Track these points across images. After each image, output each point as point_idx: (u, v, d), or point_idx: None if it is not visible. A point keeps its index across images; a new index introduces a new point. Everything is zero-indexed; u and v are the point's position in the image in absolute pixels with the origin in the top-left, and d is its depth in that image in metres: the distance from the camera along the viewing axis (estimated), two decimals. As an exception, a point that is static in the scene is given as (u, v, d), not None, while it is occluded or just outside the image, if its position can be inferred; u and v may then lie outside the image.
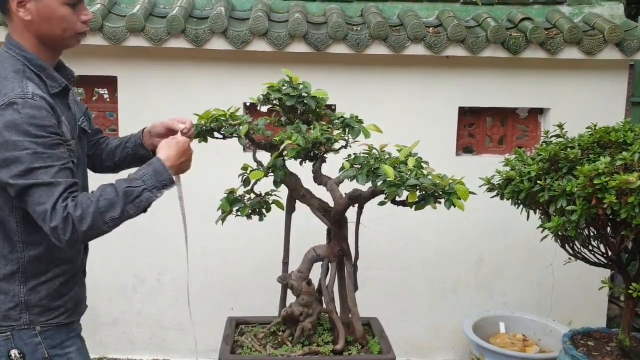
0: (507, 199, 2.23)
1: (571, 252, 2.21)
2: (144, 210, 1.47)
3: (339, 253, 2.06)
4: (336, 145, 2.04)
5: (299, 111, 2.04)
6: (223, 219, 2.07)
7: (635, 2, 4.18)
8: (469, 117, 3.38)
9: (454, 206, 1.84)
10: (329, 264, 2.07)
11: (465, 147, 3.40)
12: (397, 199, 1.88)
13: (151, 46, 2.98)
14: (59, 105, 1.46)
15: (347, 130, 2.00)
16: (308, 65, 3.08)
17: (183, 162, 1.63)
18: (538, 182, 2.02)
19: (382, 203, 1.92)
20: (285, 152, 1.90)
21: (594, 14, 3.21)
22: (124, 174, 1.57)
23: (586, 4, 3.29)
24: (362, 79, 3.19)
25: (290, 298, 2.12)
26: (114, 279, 3.20)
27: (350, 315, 2.07)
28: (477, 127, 3.40)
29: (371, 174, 1.84)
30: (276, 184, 2.00)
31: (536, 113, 3.39)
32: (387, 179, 1.77)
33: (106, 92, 3.39)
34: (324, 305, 2.07)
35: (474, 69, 3.21)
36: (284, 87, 1.94)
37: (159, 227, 3.16)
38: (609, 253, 2.13)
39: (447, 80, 3.22)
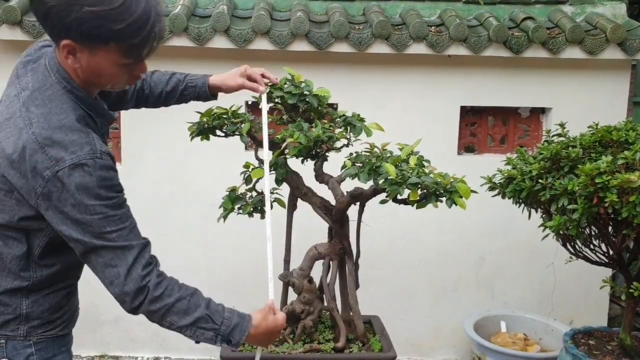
0: (509, 198, 2.23)
1: (572, 251, 2.21)
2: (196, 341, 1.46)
3: (340, 251, 2.07)
4: (338, 144, 2.05)
5: (301, 109, 2.05)
6: (225, 217, 2.07)
7: (638, 2, 4.18)
8: (470, 116, 3.39)
9: (456, 204, 1.85)
10: (330, 262, 2.08)
11: (467, 147, 3.41)
12: (399, 197, 1.89)
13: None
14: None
15: (348, 128, 2.01)
16: (310, 64, 3.08)
17: (267, 341, 1.60)
18: (539, 181, 2.02)
19: (383, 201, 1.93)
20: (286, 151, 1.91)
21: (596, 14, 3.20)
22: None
23: (588, 4, 3.29)
24: (364, 78, 3.20)
25: (292, 296, 2.12)
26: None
27: (351, 314, 2.08)
28: (478, 126, 3.40)
29: (373, 173, 1.85)
30: (278, 182, 2.00)
31: (538, 113, 3.39)
32: (389, 177, 1.78)
33: (108, 90, 3.39)
34: (325, 303, 2.08)
35: (476, 69, 3.21)
36: (286, 86, 1.95)
37: (161, 227, 3.16)
38: (610, 252, 2.12)
39: (449, 79, 3.22)
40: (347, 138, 2.06)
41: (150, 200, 3.12)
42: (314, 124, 1.92)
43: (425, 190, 1.84)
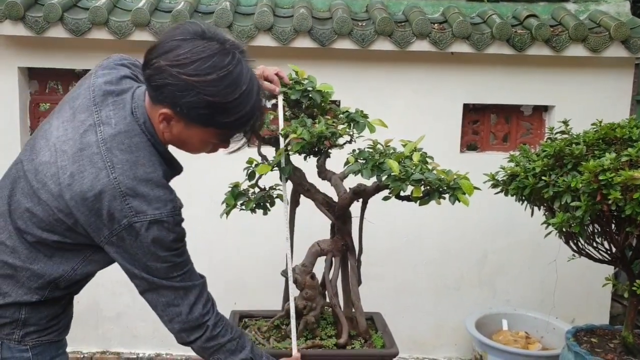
0: (512, 195, 2.23)
1: (575, 249, 2.21)
2: None
3: (342, 248, 2.06)
4: (341, 141, 2.04)
5: (304, 106, 2.05)
6: (227, 213, 2.07)
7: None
8: (473, 114, 3.38)
9: (459, 201, 1.84)
10: (333, 258, 2.07)
11: (469, 145, 3.40)
12: (402, 194, 1.88)
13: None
14: None
15: (352, 125, 2.00)
16: (313, 61, 3.08)
17: None
18: (543, 178, 2.02)
19: (386, 198, 1.92)
20: (289, 147, 1.90)
21: (600, 12, 3.20)
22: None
23: (592, 2, 3.28)
24: (367, 75, 3.19)
25: (294, 291, 2.12)
26: (117, 273, 3.18)
27: (353, 310, 2.08)
28: (481, 124, 3.40)
29: (376, 169, 1.84)
30: (284, 179, 1.99)
31: (541, 111, 3.38)
32: (392, 174, 1.77)
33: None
34: (328, 300, 2.08)
35: (479, 66, 3.20)
36: (291, 84, 1.94)
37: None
38: (613, 250, 2.12)
39: (452, 77, 3.22)
40: (350, 135, 2.06)
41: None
42: (317, 120, 1.91)
43: (428, 187, 1.83)
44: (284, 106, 1.94)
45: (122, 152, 1.27)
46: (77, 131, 1.30)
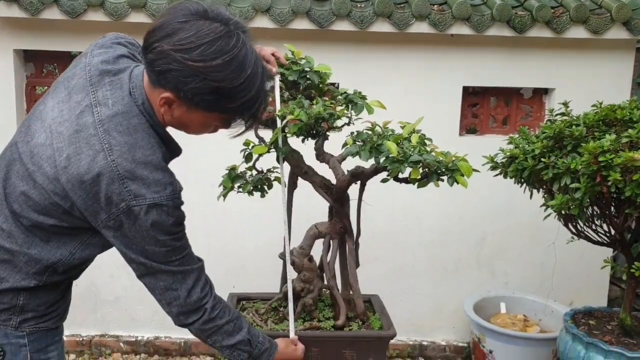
0: (511, 178, 2.22)
1: (574, 231, 2.20)
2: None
3: (340, 230, 2.06)
4: (339, 123, 2.02)
5: (301, 87, 2.02)
6: (225, 195, 2.06)
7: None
8: (473, 97, 3.36)
9: (457, 183, 1.83)
10: (331, 240, 2.06)
11: (468, 128, 3.38)
12: (400, 176, 1.87)
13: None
14: None
15: (350, 106, 1.98)
16: (311, 43, 3.05)
17: None
18: (542, 160, 2.00)
19: (384, 180, 1.91)
20: (287, 129, 1.88)
21: (602, -7, 3.16)
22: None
23: (594, -18, 3.24)
24: (366, 57, 3.16)
25: (292, 274, 2.11)
26: (115, 257, 3.18)
27: (351, 292, 2.07)
28: (481, 107, 3.38)
29: (374, 151, 1.82)
30: (281, 160, 1.98)
31: (541, 93, 3.36)
32: (390, 155, 1.76)
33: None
34: (325, 282, 2.07)
35: (478, 48, 3.17)
36: (288, 64, 1.92)
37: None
38: (612, 232, 2.11)
39: (452, 59, 3.19)
40: (348, 117, 2.04)
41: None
42: (314, 102, 1.89)
43: (426, 169, 1.82)
44: (280, 87, 1.92)
45: (120, 134, 1.25)
46: (73, 112, 1.27)
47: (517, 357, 2.92)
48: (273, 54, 1.82)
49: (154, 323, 3.33)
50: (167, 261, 1.35)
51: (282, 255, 2.07)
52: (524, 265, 3.39)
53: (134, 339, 3.35)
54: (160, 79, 1.23)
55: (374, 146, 1.82)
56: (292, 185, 2.13)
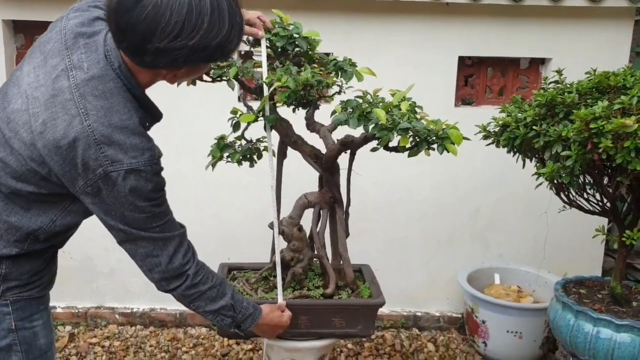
0: (503, 147, 2.20)
1: (566, 200, 2.18)
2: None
3: (330, 200, 2.04)
4: (330, 92, 2.00)
5: (291, 55, 1.99)
6: (213, 165, 2.04)
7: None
8: (469, 67, 3.31)
9: (447, 151, 1.81)
10: (321, 210, 2.05)
11: (464, 99, 3.35)
12: (390, 145, 1.85)
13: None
14: None
15: (339, 74, 1.95)
16: (304, 12, 2.99)
17: (271, 333, 1.78)
18: (534, 127, 1.98)
19: (374, 149, 1.89)
20: (276, 96, 1.86)
21: (601, -41, 3.09)
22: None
23: (592, -52, 3.17)
24: (360, 26, 3.11)
25: (283, 244, 2.11)
26: (110, 229, 3.21)
27: (341, 262, 2.07)
28: (477, 77, 3.33)
29: (363, 118, 1.80)
30: (269, 128, 1.96)
31: (538, 63, 3.31)
32: (379, 123, 1.74)
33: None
34: (315, 251, 2.07)
35: (475, 17, 3.12)
36: (274, 28, 1.88)
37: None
38: (604, 201, 2.10)
39: (447, 28, 3.14)
40: (339, 85, 2.01)
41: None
42: (303, 68, 1.86)
43: (416, 137, 1.80)
44: (269, 55, 1.88)
45: (96, 98, 1.23)
46: (49, 77, 1.25)
47: (509, 326, 2.94)
48: (259, 18, 1.79)
49: (149, 295, 3.34)
50: (147, 227, 1.34)
51: (272, 225, 2.07)
52: (518, 237, 3.39)
53: (129, 311, 3.37)
54: (161, 65, 1.22)
55: (363, 114, 1.80)
56: (281, 155, 2.11)
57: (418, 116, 1.83)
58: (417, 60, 3.17)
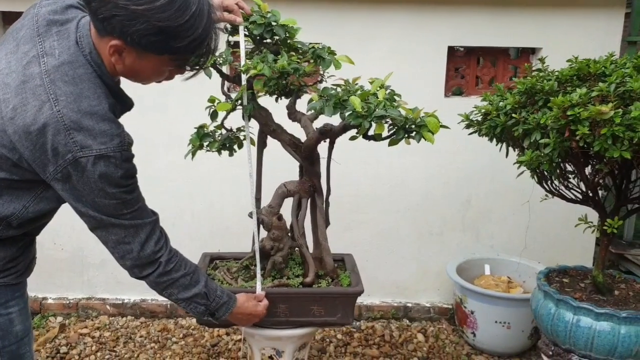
0: (485, 135, 2.19)
1: (549, 189, 2.17)
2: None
3: (310, 189, 2.05)
4: (313, 81, 1.99)
5: (271, 44, 1.99)
6: (193, 154, 2.05)
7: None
8: (458, 58, 3.30)
9: (425, 140, 1.80)
10: (301, 199, 2.06)
11: (454, 89, 3.33)
12: (370, 133, 1.84)
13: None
14: None
15: (318, 61, 1.95)
16: (290, 3, 2.98)
17: (246, 322, 1.80)
18: (513, 115, 1.97)
19: (353, 138, 1.88)
20: (254, 85, 1.85)
21: (591, -53, 3.07)
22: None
23: (583, -63, 3.14)
24: (347, 17, 3.10)
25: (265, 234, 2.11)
26: (100, 221, 3.21)
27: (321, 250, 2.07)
28: (467, 67, 3.32)
29: (339, 106, 1.79)
30: (246, 117, 1.96)
31: (528, 53, 3.29)
32: (355, 110, 1.73)
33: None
34: (296, 241, 2.07)
35: (464, 7, 3.10)
36: (252, 17, 1.88)
37: (151, 168, 3.14)
38: (587, 190, 2.09)
39: (437, 18, 3.12)
40: (321, 74, 2.01)
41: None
42: (280, 56, 1.86)
43: (393, 126, 1.79)
44: (245, 40, 1.88)
45: (65, 84, 1.23)
46: (20, 63, 1.26)
47: (497, 317, 2.93)
48: (237, 4, 1.78)
49: (140, 286, 3.31)
50: (117, 214, 1.34)
51: (252, 214, 2.07)
52: (509, 228, 3.38)
53: (120, 302, 3.38)
54: (106, 26, 1.21)
55: (339, 102, 1.79)
56: (261, 144, 2.12)
57: (395, 104, 1.82)
58: (407, 51, 3.15)
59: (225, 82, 2.06)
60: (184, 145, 3.09)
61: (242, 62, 1.81)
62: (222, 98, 2.00)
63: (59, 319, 3.30)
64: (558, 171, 2.03)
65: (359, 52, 3.01)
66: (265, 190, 2.14)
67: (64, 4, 1.37)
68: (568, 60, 2.11)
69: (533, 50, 3.26)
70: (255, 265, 2.06)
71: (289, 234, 2.06)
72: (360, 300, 3.11)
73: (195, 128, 2.05)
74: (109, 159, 1.26)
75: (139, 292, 3.39)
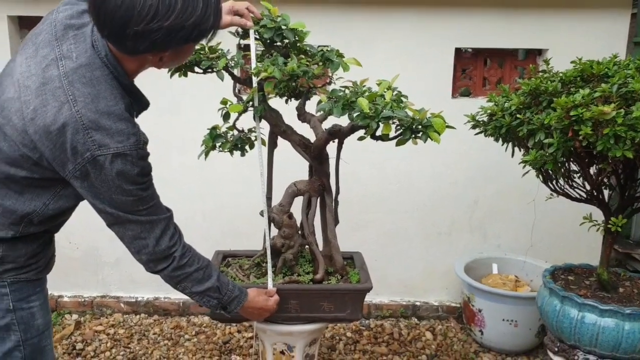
0: (491, 136, 2.23)
1: (553, 188, 2.21)
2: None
3: (319, 188, 2.10)
4: (320, 83, 2.04)
5: (281, 47, 2.04)
6: (206, 154, 2.11)
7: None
8: (465, 59, 3.34)
9: (431, 139, 1.85)
10: (311, 198, 2.11)
11: (461, 90, 3.37)
12: (378, 134, 1.90)
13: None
14: None
15: (326, 64, 2.00)
16: (299, 5, 3.04)
17: (257, 316, 1.85)
18: (518, 116, 2.01)
19: (361, 138, 1.93)
20: (264, 87, 1.91)
21: (596, -51, 3.10)
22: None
23: (588, -61, 3.18)
24: (356, 19, 3.15)
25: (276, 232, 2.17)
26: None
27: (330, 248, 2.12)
28: (474, 69, 3.36)
29: (347, 107, 1.85)
30: (257, 118, 2.01)
31: (535, 54, 3.33)
32: (363, 111, 1.78)
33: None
34: (306, 239, 2.12)
35: (471, 9, 3.14)
36: (262, 21, 1.93)
37: (167, 171, 3.21)
38: (590, 188, 2.13)
39: (444, 20, 3.17)
40: (329, 76, 2.06)
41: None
42: (290, 59, 1.91)
43: (401, 126, 1.84)
44: (256, 43, 1.94)
45: (83, 86, 1.29)
46: (40, 66, 1.32)
47: (505, 315, 2.97)
48: (247, 8, 1.84)
49: (154, 284, 3.42)
50: (134, 210, 1.40)
51: (263, 213, 2.12)
52: (516, 227, 3.41)
53: (134, 300, 3.45)
54: (143, 50, 1.27)
55: (347, 103, 1.85)
56: (272, 145, 2.17)
57: (402, 105, 1.87)
58: (414, 52, 3.20)
59: (237, 85, 2.12)
60: (196, 147, 3.17)
61: (253, 65, 1.87)
62: (234, 100, 2.05)
63: (75, 316, 3.38)
64: (562, 170, 2.07)
65: (366, 54, 3.06)
66: (275, 189, 2.20)
67: (80, 8, 1.43)
68: (572, 62, 2.15)
69: (540, 52, 3.30)
70: (266, 263, 2.12)
71: (299, 232, 2.11)
72: (369, 298, 3.17)
73: (207, 129, 2.11)
74: (126, 157, 1.32)
75: (152, 290, 3.46)
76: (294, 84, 1.91)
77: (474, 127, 2.31)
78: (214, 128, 2.11)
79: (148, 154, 1.42)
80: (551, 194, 2.25)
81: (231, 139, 2.10)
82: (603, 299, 2.12)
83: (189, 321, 3.37)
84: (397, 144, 1.90)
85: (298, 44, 2.03)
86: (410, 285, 3.51)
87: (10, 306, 1.45)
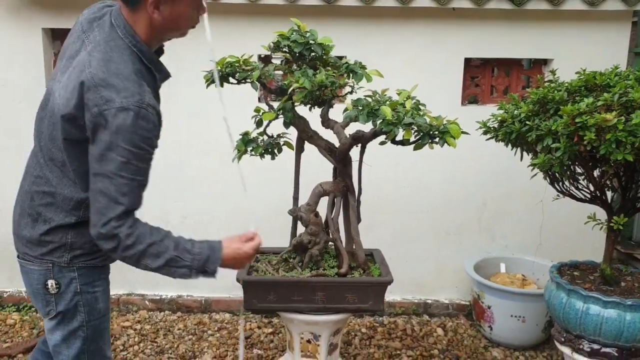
0: (501, 141, 2.40)
1: (559, 189, 2.38)
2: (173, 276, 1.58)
3: (343, 189, 2.27)
4: (343, 92, 2.22)
5: (307, 59, 2.22)
6: (239, 158, 2.27)
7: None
8: (474, 68, 3.51)
9: (448, 144, 2.02)
10: (335, 198, 2.28)
11: (470, 98, 3.55)
12: (397, 139, 2.07)
13: None
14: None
15: (351, 75, 2.18)
16: (318, 18, 3.22)
17: (238, 266, 1.71)
18: (527, 122, 2.18)
19: (382, 143, 2.11)
20: (294, 96, 2.09)
21: (598, -35, 3.27)
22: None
23: (591, -45, 3.35)
24: (371, 31, 3.33)
25: (301, 230, 2.34)
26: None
27: (353, 245, 2.29)
28: (482, 78, 3.53)
29: (372, 115, 2.02)
30: (286, 124, 2.19)
31: (540, 64, 3.50)
32: (386, 119, 1.96)
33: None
34: (331, 236, 2.30)
35: (479, 21, 3.32)
36: (292, 35, 2.11)
37: (182, 175, 3.38)
38: (594, 189, 2.30)
39: (454, 32, 3.34)
40: (350, 86, 2.24)
41: (170, 150, 3.33)
42: (318, 71, 2.09)
43: (420, 132, 2.01)
44: (288, 59, 2.12)
45: (99, 53, 1.49)
46: (71, 64, 1.52)
47: (513, 311, 3.13)
48: None
49: (177, 283, 3.56)
50: (115, 174, 1.43)
51: (292, 212, 2.30)
52: (523, 228, 3.57)
53: (158, 297, 3.62)
54: None
55: (371, 111, 2.02)
56: (299, 149, 2.35)
57: (421, 113, 2.04)
58: (426, 62, 3.38)
59: (263, 94, 2.30)
60: (217, 152, 3.35)
61: (210, 54, 1.81)
62: (266, 108, 2.23)
63: (102, 313, 3.54)
64: (568, 173, 2.24)
65: (382, 64, 3.23)
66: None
67: (101, 5, 1.66)
68: (577, 72, 2.33)
69: (545, 61, 3.47)
70: (293, 258, 2.29)
71: (325, 230, 2.28)
72: (383, 296, 3.33)
73: (240, 135, 2.28)
74: (128, 112, 1.42)
75: (175, 288, 3.62)
76: (317, 92, 2.09)
77: (485, 132, 2.48)
78: (246, 134, 2.28)
79: (151, 119, 1.46)
80: (558, 195, 2.42)
81: (262, 143, 2.27)
82: (606, 292, 2.29)
83: (210, 318, 3.53)
84: (415, 148, 2.07)
85: (324, 57, 2.21)
86: (421, 284, 3.67)
87: (78, 289, 1.62)
